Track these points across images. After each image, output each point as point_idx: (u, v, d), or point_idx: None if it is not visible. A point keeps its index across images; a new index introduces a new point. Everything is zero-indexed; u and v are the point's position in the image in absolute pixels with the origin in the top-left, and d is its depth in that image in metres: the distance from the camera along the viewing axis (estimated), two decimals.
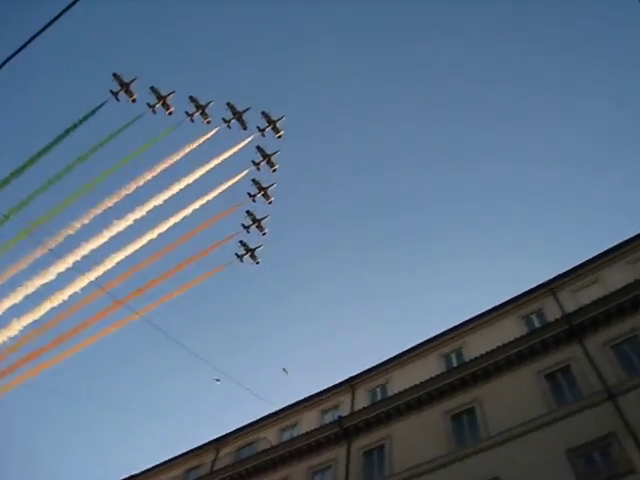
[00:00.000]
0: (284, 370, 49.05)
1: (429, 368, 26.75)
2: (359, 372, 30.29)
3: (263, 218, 53.17)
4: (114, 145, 67.00)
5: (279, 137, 52.68)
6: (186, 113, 50.65)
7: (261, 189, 53.04)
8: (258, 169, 53.19)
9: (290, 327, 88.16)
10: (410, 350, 29.18)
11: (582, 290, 24.83)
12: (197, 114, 50.77)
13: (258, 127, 52.05)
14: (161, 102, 49.59)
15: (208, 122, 51.45)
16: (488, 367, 24.02)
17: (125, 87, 48.38)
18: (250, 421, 32.59)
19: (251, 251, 52.75)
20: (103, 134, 49.81)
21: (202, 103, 50.35)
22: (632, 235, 25.29)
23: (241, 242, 52.61)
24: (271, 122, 51.70)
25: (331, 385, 30.70)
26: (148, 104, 49.53)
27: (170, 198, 49.21)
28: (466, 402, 23.78)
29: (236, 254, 52.64)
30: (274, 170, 53.26)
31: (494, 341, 24.85)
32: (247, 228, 52.88)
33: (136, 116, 49.82)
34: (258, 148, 52.36)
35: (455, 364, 26.22)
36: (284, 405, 32.15)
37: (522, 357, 23.43)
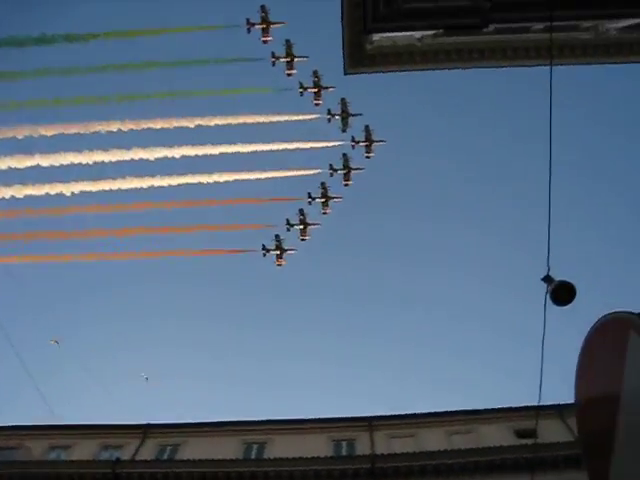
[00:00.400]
0: (144, 377, 46.96)
1: (226, 448, 25.92)
2: (159, 423, 28.84)
3: (312, 224, 48.91)
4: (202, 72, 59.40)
5: (367, 157, 49.13)
6: (300, 84, 46.22)
7: (325, 197, 48.84)
8: (331, 175, 49.19)
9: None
10: (213, 424, 28.18)
11: (399, 438, 25.55)
12: (311, 90, 46.65)
13: (353, 137, 48.30)
14: (287, 59, 45.73)
15: (316, 104, 47.44)
16: (282, 472, 23.85)
17: (265, 25, 44.19)
18: (22, 424, 29.56)
19: (281, 251, 48.55)
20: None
21: (322, 84, 46.29)
22: (462, 408, 27.30)
23: (277, 236, 48.21)
24: (369, 140, 48.20)
25: (126, 423, 28.85)
26: (273, 54, 45.50)
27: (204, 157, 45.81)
28: None
29: (263, 245, 48.02)
30: (346, 185, 49.54)
31: (298, 450, 24.67)
32: (290, 225, 48.51)
33: (254, 58, 45.83)
34: (344, 156, 48.70)
35: (254, 456, 25.75)
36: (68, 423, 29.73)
37: (318, 477, 23.54)
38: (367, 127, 47.70)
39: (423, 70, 17.89)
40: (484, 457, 22.85)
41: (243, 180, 48.36)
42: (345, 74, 17.64)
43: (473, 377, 76.77)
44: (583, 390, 4.30)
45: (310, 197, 48.56)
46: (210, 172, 46.77)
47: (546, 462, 22.26)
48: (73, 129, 42.14)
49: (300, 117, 48.74)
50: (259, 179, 48.78)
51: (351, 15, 14.20)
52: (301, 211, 48.45)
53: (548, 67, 15.19)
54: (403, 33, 14.27)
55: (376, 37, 15.48)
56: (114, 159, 43.36)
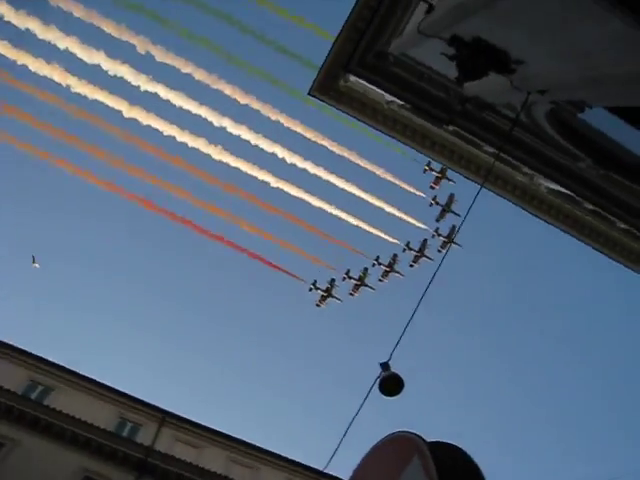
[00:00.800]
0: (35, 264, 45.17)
1: (8, 376, 24.08)
2: None
3: (368, 286, 49.79)
4: None
5: (439, 251, 50.47)
6: (429, 162, 46.15)
7: (390, 267, 50.03)
8: (404, 251, 50.44)
9: None
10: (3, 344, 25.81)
11: (183, 443, 25.08)
12: (435, 173, 47.85)
13: (438, 229, 50.37)
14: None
15: (431, 187, 49.34)
16: (54, 426, 22.51)
17: None
18: None
19: (328, 295, 48.92)
20: None
21: (447, 176, 47.33)
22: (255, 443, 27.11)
23: (332, 280, 49.01)
24: (449, 239, 50.14)
25: None
26: None
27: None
28: None
29: (315, 281, 48.62)
30: (411, 266, 50.76)
31: (82, 411, 23.51)
32: (348, 277, 49.09)
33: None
34: (424, 241, 50.61)
35: (34, 396, 24.09)
36: None
37: (87, 444, 22.51)
38: (454, 227, 49.81)
39: (375, 129, 18.33)
40: None
41: (329, 212, 49.20)
42: (308, 94, 17.67)
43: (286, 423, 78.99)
44: (359, 477, 4.68)
45: (377, 261, 49.58)
46: (297, 186, 46.97)
47: None
48: None
49: (411, 189, 51.03)
50: (343, 219, 49.90)
51: (342, 47, 14.31)
52: (365, 270, 49.48)
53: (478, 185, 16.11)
54: (377, 89, 14.57)
55: (352, 79, 15.70)
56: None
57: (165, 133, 43.89)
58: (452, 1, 6.99)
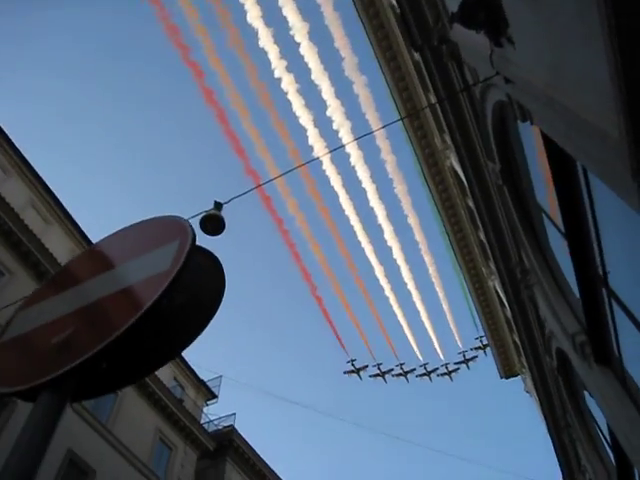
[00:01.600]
0: None
1: None
2: None
3: (384, 379, 60.87)
4: None
5: (438, 375, 61.59)
6: (481, 338, 52.72)
7: (405, 374, 61.00)
8: (420, 366, 60.91)
9: None
10: None
11: None
12: (480, 345, 55.06)
13: (448, 364, 60.63)
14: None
15: (471, 348, 58.35)
16: None
17: None
18: None
19: (358, 371, 60.28)
20: None
21: (486, 351, 53.06)
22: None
23: (366, 366, 60.47)
24: (450, 372, 60.76)
25: None
26: None
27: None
28: None
29: (353, 359, 59.96)
30: (417, 377, 61.48)
31: None
32: (378, 367, 60.55)
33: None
34: (435, 369, 60.60)
35: None
36: None
37: None
38: (457, 368, 61.11)
39: (356, 9, 17.23)
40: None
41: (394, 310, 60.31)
42: None
43: None
44: (109, 241, 3.94)
45: (401, 365, 60.86)
46: None
47: None
48: None
49: (456, 336, 63.09)
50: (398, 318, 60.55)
51: None
52: (391, 370, 60.77)
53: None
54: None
55: None
56: None
57: None
58: None
